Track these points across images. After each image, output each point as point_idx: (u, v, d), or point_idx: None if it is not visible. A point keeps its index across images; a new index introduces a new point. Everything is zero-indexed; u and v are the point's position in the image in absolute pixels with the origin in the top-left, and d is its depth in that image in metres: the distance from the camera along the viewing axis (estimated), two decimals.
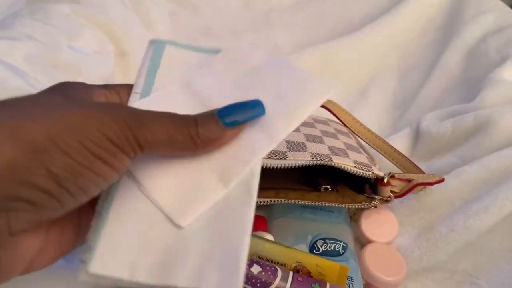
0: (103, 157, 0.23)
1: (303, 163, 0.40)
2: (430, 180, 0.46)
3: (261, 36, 0.78)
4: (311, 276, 0.37)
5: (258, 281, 0.34)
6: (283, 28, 0.79)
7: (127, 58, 0.66)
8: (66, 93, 0.26)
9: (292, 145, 0.43)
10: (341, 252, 0.42)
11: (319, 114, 0.54)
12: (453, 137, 0.52)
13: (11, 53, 0.52)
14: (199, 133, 0.26)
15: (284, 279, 0.35)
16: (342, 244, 0.43)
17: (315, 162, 0.41)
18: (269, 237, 0.42)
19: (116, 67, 0.65)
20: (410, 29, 0.72)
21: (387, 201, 0.44)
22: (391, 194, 0.44)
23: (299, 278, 0.35)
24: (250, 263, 0.35)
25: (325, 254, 0.42)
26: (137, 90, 0.30)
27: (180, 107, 0.27)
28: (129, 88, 0.30)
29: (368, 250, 0.45)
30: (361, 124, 0.54)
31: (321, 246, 0.42)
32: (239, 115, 0.28)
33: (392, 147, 0.52)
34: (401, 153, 0.52)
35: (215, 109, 0.27)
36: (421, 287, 0.45)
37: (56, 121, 0.22)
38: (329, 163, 0.41)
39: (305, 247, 0.42)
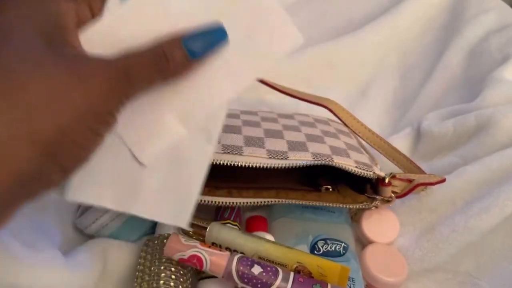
0: (103, 132, 0.25)
1: (304, 163, 0.40)
2: (431, 180, 0.46)
3: None
4: (312, 277, 0.37)
5: (259, 281, 0.34)
6: None
7: None
8: (42, 32, 0.24)
9: (293, 145, 0.42)
10: (342, 253, 0.42)
11: (320, 114, 0.54)
12: (454, 137, 0.52)
13: None
14: (170, 68, 0.27)
15: (285, 279, 0.34)
16: (343, 244, 0.43)
17: (316, 162, 0.40)
18: (270, 237, 0.42)
19: None
20: (410, 28, 0.72)
21: (388, 201, 0.44)
22: (392, 194, 0.44)
23: (300, 279, 0.35)
24: (251, 263, 0.35)
25: (326, 254, 0.42)
26: None
27: (151, 23, 0.28)
28: None
29: (369, 251, 0.44)
30: (362, 124, 0.53)
31: (322, 246, 0.42)
32: (204, 43, 0.28)
33: (393, 147, 0.52)
34: (402, 153, 0.51)
35: (181, 37, 0.27)
36: None
37: (63, 112, 0.22)
38: (330, 163, 0.41)
39: (306, 248, 0.42)
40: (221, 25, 0.28)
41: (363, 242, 0.47)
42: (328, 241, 0.43)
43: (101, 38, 0.28)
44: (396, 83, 0.68)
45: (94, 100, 0.23)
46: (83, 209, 0.43)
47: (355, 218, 0.48)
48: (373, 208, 0.44)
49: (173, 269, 0.37)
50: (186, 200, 0.30)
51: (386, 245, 0.46)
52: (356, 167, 0.41)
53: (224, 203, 0.40)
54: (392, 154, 0.52)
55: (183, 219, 0.30)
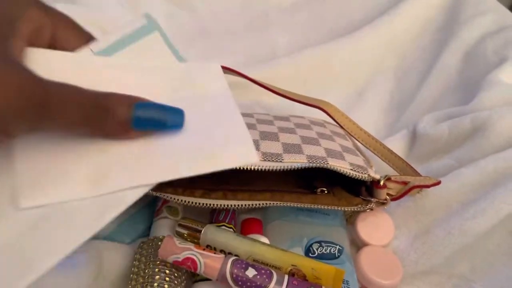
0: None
1: (299, 165, 0.40)
2: (427, 183, 0.46)
3: (259, 36, 0.78)
4: (307, 280, 0.36)
5: (253, 284, 0.34)
6: (281, 28, 0.78)
7: None
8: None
9: (288, 147, 0.42)
10: (337, 255, 0.42)
11: (316, 116, 0.54)
12: (450, 139, 0.52)
13: None
14: (105, 123, 0.23)
15: (279, 282, 0.34)
16: (338, 247, 0.43)
17: (311, 164, 0.40)
18: (265, 240, 0.42)
19: None
20: (408, 30, 0.72)
21: (383, 203, 0.44)
22: (387, 197, 0.44)
23: (294, 282, 0.35)
24: (245, 266, 0.35)
25: (321, 257, 0.42)
26: (95, 47, 0.27)
27: (119, 84, 0.25)
28: (77, 31, 0.26)
29: (364, 253, 0.44)
30: (357, 126, 0.53)
31: (317, 249, 0.42)
32: (155, 119, 0.25)
33: (388, 149, 0.52)
34: (398, 155, 0.51)
35: (135, 100, 0.24)
36: None
37: None
38: (325, 165, 0.41)
39: (300, 250, 0.42)
40: (183, 113, 0.26)
41: (358, 244, 0.47)
42: (323, 244, 0.43)
43: (50, 64, 0.24)
44: (393, 85, 0.68)
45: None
46: None
47: (350, 220, 0.48)
48: (368, 210, 0.44)
49: (167, 271, 0.37)
50: (27, 270, 0.24)
51: (381, 248, 0.46)
52: (351, 169, 0.41)
53: (219, 206, 0.40)
54: (388, 156, 0.52)
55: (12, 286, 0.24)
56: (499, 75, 0.56)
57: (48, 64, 0.24)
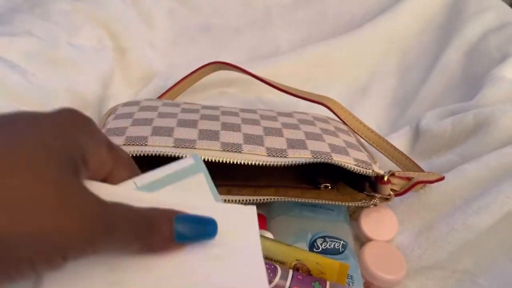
0: (38, 270, 0.20)
1: (303, 161, 0.40)
2: (430, 178, 0.46)
3: (261, 33, 0.78)
4: (311, 275, 0.37)
5: None
6: (283, 25, 0.78)
7: (127, 55, 0.66)
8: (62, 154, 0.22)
9: (292, 143, 0.42)
10: (341, 251, 0.42)
11: (319, 112, 0.54)
12: (453, 135, 0.52)
13: (9, 49, 0.52)
14: (152, 241, 0.24)
15: (284, 277, 0.34)
16: (342, 242, 0.43)
17: (315, 160, 0.40)
18: (269, 235, 0.42)
19: (116, 64, 0.64)
20: (410, 26, 0.72)
21: (387, 199, 0.44)
22: (391, 192, 0.44)
23: (299, 277, 0.35)
24: None
25: (325, 252, 0.42)
26: (139, 181, 0.27)
27: None
28: (130, 167, 0.27)
29: (368, 249, 0.44)
30: (360, 123, 0.53)
31: (321, 244, 0.42)
32: (194, 231, 0.26)
33: (391, 145, 0.52)
34: (401, 152, 0.52)
35: (175, 214, 0.25)
36: (421, 286, 0.45)
37: (29, 223, 0.19)
38: (329, 160, 0.41)
39: (305, 246, 0.42)
40: (215, 222, 0.26)
41: (362, 240, 0.47)
42: (327, 239, 0.43)
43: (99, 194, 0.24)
44: (395, 81, 0.68)
45: (59, 235, 0.20)
46: None
47: (354, 216, 0.49)
48: (372, 206, 0.44)
49: None
50: None
51: (385, 243, 0.46)
52: (355, 165, 0.41)
53: (223, 201, 0.40)
54: (391, 152, 0.52)
55: None
56: (502, 71, 0.56)
57: (97, 193, 0.23)
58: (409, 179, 0.45)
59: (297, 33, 0.77)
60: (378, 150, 0.53)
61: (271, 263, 0.36)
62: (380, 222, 0.47)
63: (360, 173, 0.42)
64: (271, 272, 0.35)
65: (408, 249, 0.46)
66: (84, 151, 0.23)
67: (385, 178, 0.43)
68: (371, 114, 0.63)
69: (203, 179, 0.30)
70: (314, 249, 0.42)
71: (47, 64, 0.53)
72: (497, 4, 0.70)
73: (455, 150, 0.52)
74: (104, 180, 0.26)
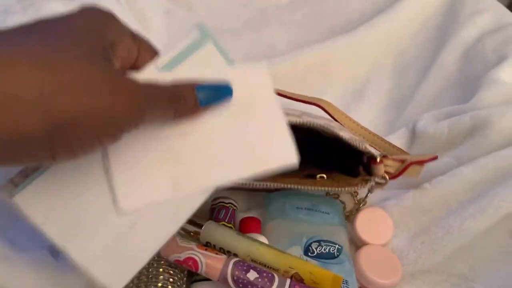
0: (103, 144, 0.25)
1: (317, 123, 0.40)
2: (424, 158, 0.45)
3: (257, 34, 0.77)
4: (304, 283, 0.36)
5: (254, 287, 0.34)
6: (280, 26, 0.78)
7: None
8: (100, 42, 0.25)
9: (302, 115, 0.42)
10: (336, 255, 0.42)
11: (313, 112, 0.54)
12: (449, 138, 0.52)
13: None
14: (183, 109, 0.30)
15: (281, 286, 0.34)
16: (337, 246, 0.43)
17: (323, 128, 0.41)
18: (263, 239, 0.42)
19: None
20: (406, 28, 0.71)
21: (382, 183, 0.44)
22: (386, 175, 0.43)
23: (296, 286, 0.34)
24: (247, 268, 0.35)
25: (320, 256, 0.41)
26: (160, 63, 0.31)
27: None
28: (151, 52, 0.31)
29: (363, 253, 0.44)
30: (354, 121, 0.53)
31: (316, 248, 0.42)
32: (211, 95, 0.31)
33: (387, 141, 0.51)
34: (397, 147, 0.51)
35: (195, 84, 0.30)
36: None
37: (87, 107, 0.23)
38: (332, 129, 0.41)
39: (299, 249, 0.42)
40: (228, 83, 0.31)
41: (357, 243, 0.47)
42: (322, 243, 0.42)
43: None
44: (392, 83, 0.68)
45: (117, 106, 0.24)
46: None
47: (349, 218, 0.48)
48: (368, 190, 0.44)
49: (171, 272, 0.36)
50: (128, 268, 0.29)
51: (380, 247, 0.45)
52: (349, 139, 0.41)
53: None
54: (387, 148, 0.51)
55: (115, 285, 0.29)
56: (498, 74, 0.56)
57: None
58: (402, 161, 0.44)
59: (293, 34, 0.76)
60: (373, 147, 0.52)
61: (269, 271, 0.36)
62: (376, 226, 0.47)
63: (354, 146, 0.41)
64: (268, 281, 0.34)
65: (404, 252, 0.45)
66: (112, 41, 0.26)
67: (378, 159, 0.42)
68: (368, 115, 0.62)
69: (212, 47, 0.33)
70: (309, 254, 0.41)
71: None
72: (494, 5, 0.70)
73: (452, 152, 0.52)
74: (132, 67, 0.29)
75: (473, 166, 0.47)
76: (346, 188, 0.43)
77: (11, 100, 0.20)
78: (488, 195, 0.44)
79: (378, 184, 0.44)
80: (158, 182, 0.30)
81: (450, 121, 0.52)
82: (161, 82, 0.27)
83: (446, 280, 0.45)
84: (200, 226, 0.39)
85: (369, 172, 0.43)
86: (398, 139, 0.56)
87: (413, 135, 0.55)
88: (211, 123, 0.31)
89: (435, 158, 0.45)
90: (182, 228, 0.40)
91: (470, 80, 0.60)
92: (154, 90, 0.27)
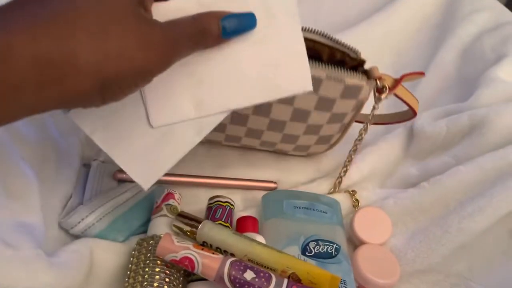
0: (140, 87, 0.30)
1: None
2: (414, 72, 0.45)
3: None
4: (301, 283, 0.36)
5: (251, 287, 0.33)
6: None
7: None
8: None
9: None
10: (334, 254, 0.42)
11: None
12: (447, 137, 0.52)
13: None
14: (206, 41, 0.32)
15: (278, 286, 0.34)
16: (335, 246, 0.42)
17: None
18: (260, 238, 0.41)
19: None
20: (404, 26, 0.71)
21: (382, 91, 0.43)
22: (386, 84, 0.43)
23: (294, 286, 0.34)
24: (244, 268, 0.34)
25: (318, 256, 0.41)
26: None
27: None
28: None
29: (361, 252, 0.44)
30: None
31: (314, 248, 0.41)
32: (237, 26, 0.33)
33: None
34: None
35: (219, 16, 0.32)
36: None
37: (127, 58, 0.27)
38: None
39: (297, 249, 0.41)
40: (252, 13, 0.33)
41: (355, 242, 0.47)
42: (320, 242, 0.42)
43: (162, 13, 0.31)
44: None
45: (149, 60, 0.28)
46: (69, 209, 0.42)
47: (347, 218, 0.48)
48: (373, 106, 0.45)
49: (167, 271, 0.36)
50: (158, 169, 0.35)
51: (378, 246, 0.45)
52: (345, 44, 0.42)
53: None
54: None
55: (147, 182, 0.35)
56: (496, 72, 0.56)
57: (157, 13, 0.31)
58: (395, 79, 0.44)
59: None
60: None
61: (266, 271, 0.35)
62: (374, 225, 0.46)
63: (350, 50, 0.42)
64: (265, 281, 0.34)
65: (402, 252, 0.45)
66: None
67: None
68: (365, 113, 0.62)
69: None
70: (307, 253, 0.41)
71: None
72: (492, 4, 0.70)
73: (450, 151, 0.51)
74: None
75: (472, 165, 0.47)
76: (350, 76, 0.41)
77: (72, 68, 0.25)
78: (487, 194, 0.44)
79: (379, 96, 0.43)
80: (182, 103, 0.34)
81: (448, 120, 0.52)
82: (186, 18, 0.30)
83: (445, 279, 0.44)
84: (196, 225, 0.39)
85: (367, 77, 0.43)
86: (396, 138, 0.55)
87: (411, 134, 0.55)
88: (231, 48, 0.34)
89: (422, 73, 0.47)
90: (178, 227, 0.39)
91: (469, 79, 0.60)
92: (181, 31, 0.30)
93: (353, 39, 0.69)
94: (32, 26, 0.24)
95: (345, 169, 0.51)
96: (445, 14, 0.71)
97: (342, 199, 0.50)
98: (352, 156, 0.50)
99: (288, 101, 0.43)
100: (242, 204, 0.49)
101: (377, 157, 0.53)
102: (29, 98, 0.25)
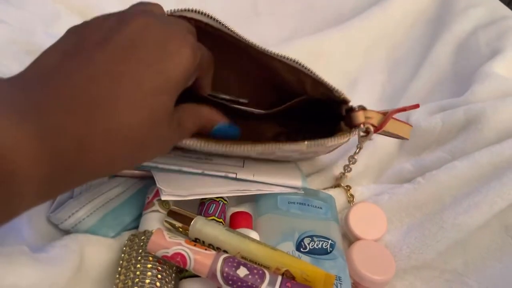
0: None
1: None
2: (405, 106, 0.43)
3: (247, 27, 0.75)
4: (296, 281, 0.35)
5: (244, 284, 0.33)
6: (270, 19, 0.77)
7: None
8: None
9: None
10: (329, 250, 0.41)
11: None
12: (443, 132, 0.51)
13: None
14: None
15: (272, 283, 0.33)
16: (330, 242, 0.42)
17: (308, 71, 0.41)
18: (254, 235, 0.40)
19: None
20: (399, 21, 0.70)
21: (367, 133, 0.42)
22: (369, 125, 0.41)
23: (288, 284, 0.33)
24: (237, 265, 0.34)
25: (313, 252, 0.40)
26: None
27: None
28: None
29: (356, 248, 0.43)
30: None
31: (308, 244, 0.41)
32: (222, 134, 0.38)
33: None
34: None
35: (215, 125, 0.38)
36: (409, 286, 0.44)
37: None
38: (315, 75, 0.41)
39: (291, 245, 0.41)
40: (237, 128, 0.39)
41: (350, 238, 0.46)
42: (315, 238, 0.41)
43: None
44: (384, 76, 0.67)
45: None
46: (58, 203, 0.41)
47: (342, 214, 0.47)
48: (357, 147, 0.44)
49: (159, 268, 0.35)
50: (185, 190, 0.41)
51: (374, 242, 0.44)
52: (329, 83, 0.41)
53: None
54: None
55: (168, 193, 0.39)
56: (492, 67, 0.56)
57: None
58: (384, 113, 0.43)
59: (284, 26, 0.75)
60: None
61: (259, 268, 0.34)
62: (369, 221, 0.46)
63: (333, 89, 0.41)
64: (259, 278, 0.33)
65: (397, 248, 0.45)
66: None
67: (356, 107, 0.41)
68: None
69: None
70: (302, 249, 0.40)
71: (22, 54, 0.51)
72: None
73: (445, 147, 0.51)
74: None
75: (468, 161, 0.47)
76: (332, 140, 0.40)
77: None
78: (483, 190, 0.44)
79: (364, 137, 0.42)
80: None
81: (444, 115, 0.52)
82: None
83: (440, 276, 0.44)
84: (188, 221, 0.38)
85: (351, 124, 0.41)
86: None
87: None
88: None
89: (416, 106, 0.44)
90: (170, 223, 0.39)
91: (463, 74, 0.60)
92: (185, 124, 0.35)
93: (346, 34, 0.68)
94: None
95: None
96: (440, 9, 0.70)
97: (336, 194, 0.49)
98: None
99: (271, 154, 0.42)
100: (235, 199, 0.48)
101: (372, 152, 0.53)
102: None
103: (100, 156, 0.27)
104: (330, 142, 0.40)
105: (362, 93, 0.65)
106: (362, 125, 0.41)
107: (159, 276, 0.34)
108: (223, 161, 0.45)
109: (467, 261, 0.44)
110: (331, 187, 0.51)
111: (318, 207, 0.45)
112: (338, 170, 0.51)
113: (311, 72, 0.41)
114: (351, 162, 0.47)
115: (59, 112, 0.25)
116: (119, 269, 0.36)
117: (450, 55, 0.63)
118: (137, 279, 0.34)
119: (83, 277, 0.38)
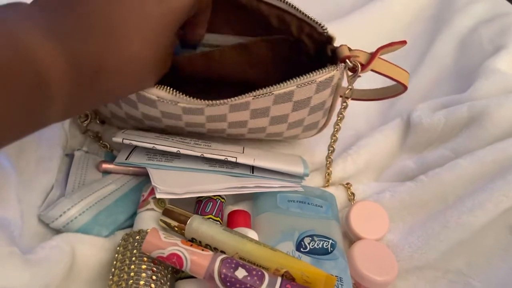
0: None
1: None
2: (392, 42, 0.43)
3: None
4: (296, 283, 0.34)
5: (242, 286, 0.31)
6: None
7: None
8: None
9: None
10: (329, 250, 0.40)
11: None
12: (446, 129, 0.50)
13: None
14: None
15: (271, 285, 0.32)
16: (330, 241, 0.40)
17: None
18: (253, 234, 0.39)
19: None
20: (400, 16, 0.69)
21: (354, 69, 0.41)
22: (357, 62, 0.40)
23: (288, 285, 0.32)
24: (235, 266, 0.32)
25: (313, 252, 0.39)
26: None
27: None
28: None
29: (357, 248, 0.42)
30: None
31: (309, 243, 0.40)
32: None
33: None
34: None
35: None
36: (411, 287, 0.43)
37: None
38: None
39: (291, 245, 0.39)
40: None
41: (351, 238, 0.45)
42: (315, 238, 0.40)
43: None
44: None
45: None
46: (49, 202, 0.40)
47: (342, 212, 0.46)
48: (349, 87, 0.43)
49: (154, 269, 0.33)
50: (180, 186, 0.40)
51: (375, 242, 0.43)
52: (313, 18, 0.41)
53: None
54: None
55: (163, 191, 0.38)
56: (495, 64, 0.54)
57: None
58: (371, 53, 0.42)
59: None
60: None
61: (258, 269, 0.33)
62: (370, 220, 0.44)
63: (319, 26, 0.41)
64: (258, 279, 0.32)
65: (399, 247, 0.43)
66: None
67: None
68: (360, 105, 0.60)
69: None
70: (302, 249, 0.39)
71: None
72: None
73: (448, 144, 0.50)
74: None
75: (471, 159, 0.46)
76: (318, 73, 0.39)
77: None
78: (487, 189, 0.42)
79: (352, 72, 0.41)
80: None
81: (447, 111, 0.50)
82: None
83: (443, 276, 0.43)
84: (185, 220, 0.36)
85: (336, 60, 0.41)
86: (392, 130, 0.53)
87: (408, 126, 0.53)
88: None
89: (403, 42, 0.43)
90: (165, 222, 0.37)
91: (466, 71, 0.59)
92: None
93: (346, 28, 0.67)
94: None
95: (329, 160, 0.49)
96: (441, 5, 0.69)
97: (337, 192, 0.48)
98: (336, 135, 0.47)
99: (263, 113, 0.41)
100: (233, 198, 0.47)
101: (373, 150, 0.51)
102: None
103: (114, 75, 0.31)
104: (318, 76, 0.39)
105: (363, 88, 0.64)
106: (348, 61, 0.40)
107: (154, 277, 0.33)
108: (222, 147, 0.44)
109: (471, 261, 0.43)
110: (326, 185, 0.49)
111: (319, 206, 0.44)
112: (337, 165, 0.50)
113: (295, 8, 0.41)
114: (335, 130, 0.46)
115: (80, 34, 0.29)
116: (113, 269, 0.34)
117: (452, 52, 0.62)
118: (131, 281, 0.32)
119: (75, 279, 0.37)
